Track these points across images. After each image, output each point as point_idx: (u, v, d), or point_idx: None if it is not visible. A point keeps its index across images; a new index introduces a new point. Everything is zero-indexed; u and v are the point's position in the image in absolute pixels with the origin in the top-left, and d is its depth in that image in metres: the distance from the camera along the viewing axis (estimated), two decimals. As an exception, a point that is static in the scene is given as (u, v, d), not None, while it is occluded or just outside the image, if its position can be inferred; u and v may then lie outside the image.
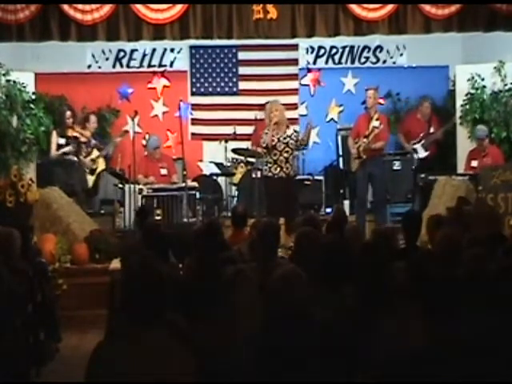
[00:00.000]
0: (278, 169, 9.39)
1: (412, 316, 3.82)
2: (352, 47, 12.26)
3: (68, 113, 10.53)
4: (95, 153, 10.67)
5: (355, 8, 10.03)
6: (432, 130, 11.24)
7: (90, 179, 10.74)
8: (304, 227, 5.91)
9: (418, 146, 11.19)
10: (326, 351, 3.42)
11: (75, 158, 10.46)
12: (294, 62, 12.27)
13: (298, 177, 10.67)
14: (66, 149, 10.39)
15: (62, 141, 10.45)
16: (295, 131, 9.64)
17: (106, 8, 9.84)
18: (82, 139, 10.59)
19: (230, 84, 12.28)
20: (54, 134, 10.52)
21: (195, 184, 10.29)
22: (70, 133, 10.51)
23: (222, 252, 5.23)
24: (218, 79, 12.27)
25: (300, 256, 5.07)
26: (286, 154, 9.39)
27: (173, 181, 10.59)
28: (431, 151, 11.23)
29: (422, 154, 11.18)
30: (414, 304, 3.92)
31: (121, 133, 10.81)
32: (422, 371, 3.54)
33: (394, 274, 4.07)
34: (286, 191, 9.33)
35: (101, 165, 10.73)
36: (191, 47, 12.13)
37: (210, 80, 12.26)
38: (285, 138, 9.40)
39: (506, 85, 10.75)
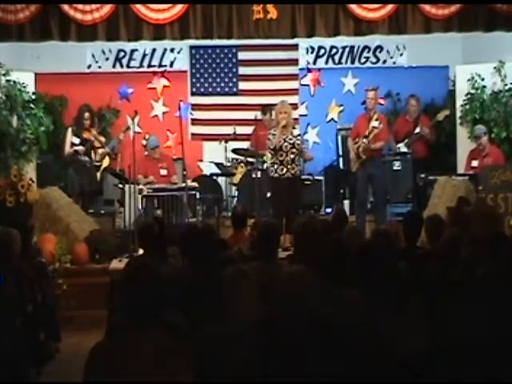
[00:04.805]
0: (285, 169, 9.36)
1: (412, 316, 3.82)
2: (352, 47, 12.27)
3: (86, 114, 10.38)
4: (102, 151, 10.59)
5: (355, 8, 10.03)
6: (418, 130, 11.21)
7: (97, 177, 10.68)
8: (303, 227, 5.92)
9: (401, 146, 11.20)
10: (327, 351, 3.42)
11: (87, 158, 10.39)
12: (294, 62, 12.27)
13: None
14: (79, 148, 10.31)
15: (76, 140, 10.32)
16: (299, 135, 9.64)
17: (106, 8, 9.83)
18: (96, 144, 10.50)
19: (230, 84, 12.28)
20: (69, 131, 10.37)
21: (195, 184, 10.27)
22: (87, 135, 10.40)
23: (222, 252, 5.23)
24: (218, 79, 12.27)
25: (299, 256, 5.07)
26: (292, 155, 9.36)
27: (172, 181, 10.57)
28: (421, 152, 11.17)
29: None
30: (415, 304, 3.92)
31: (124, 129, 10.79)
32: (422, 371, 3.54)
33: (394, 274, 4.07)
34: (291, 192, 9.32)
35: (105, 162, 10.69)
36: (191, 47, 12.13)
37: (210, 80, 12.27)
38: (291, 139, 9.37)
39: (506, 85, 10.74)
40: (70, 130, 10.42)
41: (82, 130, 10.37)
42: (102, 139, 10.62)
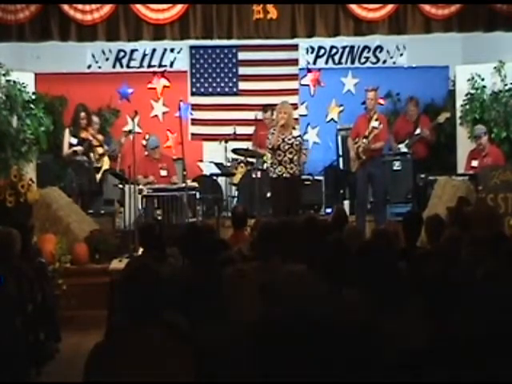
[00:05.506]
0: (283, 169, 9.36)
1: (412, 316, 3.82)
2: (352, 47, 12.27)
3: (82, 114, 10.36)
4: (100, 150, 10.59)
5: (355, 8, 10.04)
6: (418, 131, 11.22)
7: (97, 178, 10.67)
8: (303, 227, 5.91)
9: (401, 146, 11.21)
10: (327, 351, 3.42)
11: (85, 158, 10.39)
12: (294, 62, 12.28)
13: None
14: (77, 148, 10.31)
15: (74, 141, 10.30)
16: (300, 136, 9.63)
17: (106, 8, 9.84)
18: (95, 142, 10.49)
19: (230, 84, 12.28)
20: (67, 132, 10.36)
21: (195, 184, 10.27)
22: (84, 135, 10.39)
23: (222, 252, 5.22)
24: (218, 79, 12.27)
25: (299, 256, 5.07)
26: (290, 155, 9.35)
27: (172, 181, 10.56)
28: (422, 152, 11.18)
29: None
30: (415, 304, 3.92)
31: (125, 133, 10.81)
32: (422, 371, 3.54)
33: (394, 274, 4.07)
34: (291, 192, 9.31)
35: (106, 164, 10.69)
36: (191, 47, 12.14)
37: (210, 80, 12.27)
38: (289, 139, 9.36)
39: (506, 85, 10.75)
40: (67, 130, 10.42)
41: (79, 129, 10.37)
42: (100, 137, 10.62)
